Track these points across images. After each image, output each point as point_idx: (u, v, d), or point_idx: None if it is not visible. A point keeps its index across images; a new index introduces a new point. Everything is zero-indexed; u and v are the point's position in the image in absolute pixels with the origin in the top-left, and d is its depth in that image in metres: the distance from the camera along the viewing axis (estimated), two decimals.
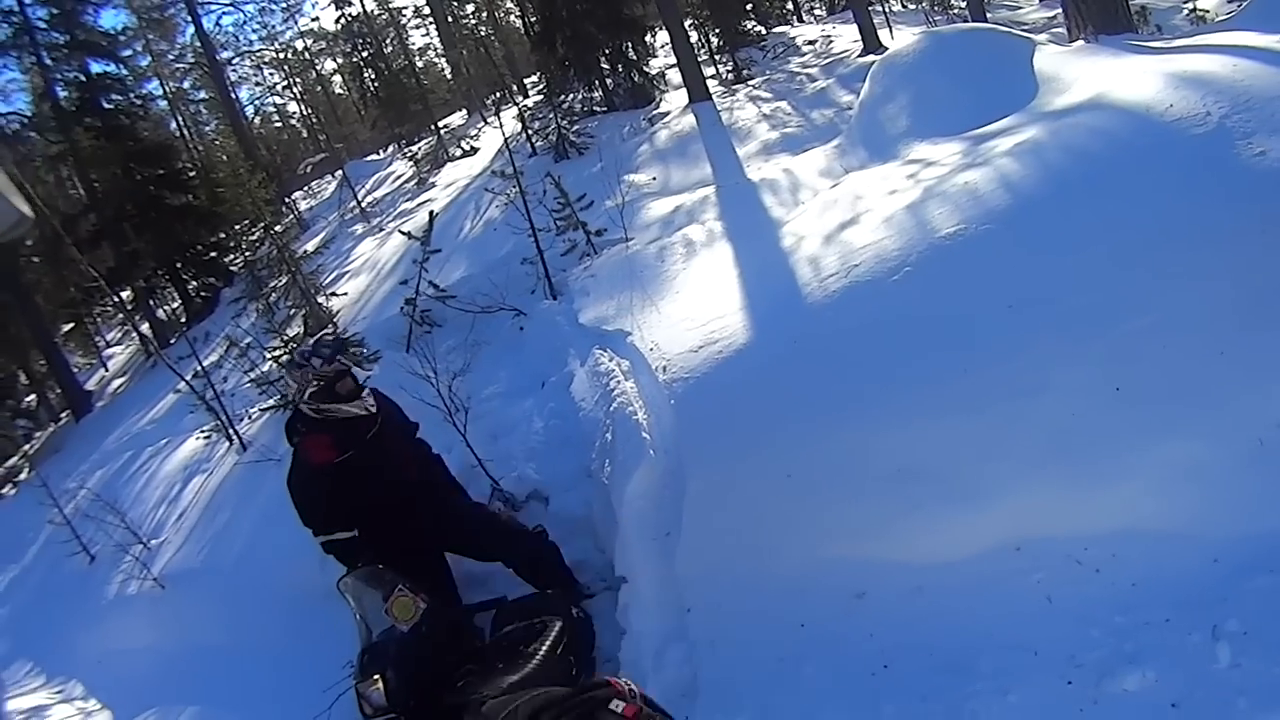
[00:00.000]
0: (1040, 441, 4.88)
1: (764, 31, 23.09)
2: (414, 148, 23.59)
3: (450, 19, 30.52)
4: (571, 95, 18.45)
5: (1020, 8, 23.68)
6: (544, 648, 4.95)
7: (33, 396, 23.96)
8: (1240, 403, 4.65)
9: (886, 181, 6.83)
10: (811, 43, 20.94)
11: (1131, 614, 4.44)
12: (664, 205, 9.15)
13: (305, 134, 43.26)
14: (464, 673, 4.65)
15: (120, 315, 18.59)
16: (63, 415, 18.92)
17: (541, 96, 19.00)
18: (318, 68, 41.31)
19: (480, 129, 24.34)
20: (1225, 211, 5.05)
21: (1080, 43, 8.84)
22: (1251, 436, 4.59)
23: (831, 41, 20.23)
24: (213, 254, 20.06)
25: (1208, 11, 15.72)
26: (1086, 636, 4.44)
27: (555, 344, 7.83)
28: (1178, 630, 4.29)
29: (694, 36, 19.87)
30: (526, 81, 27.72)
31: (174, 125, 32.89)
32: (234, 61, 36.89)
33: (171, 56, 33.06)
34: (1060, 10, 11.66)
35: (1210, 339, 4.79)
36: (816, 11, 28.97)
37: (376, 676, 4.52)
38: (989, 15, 19.56)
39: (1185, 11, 16.18)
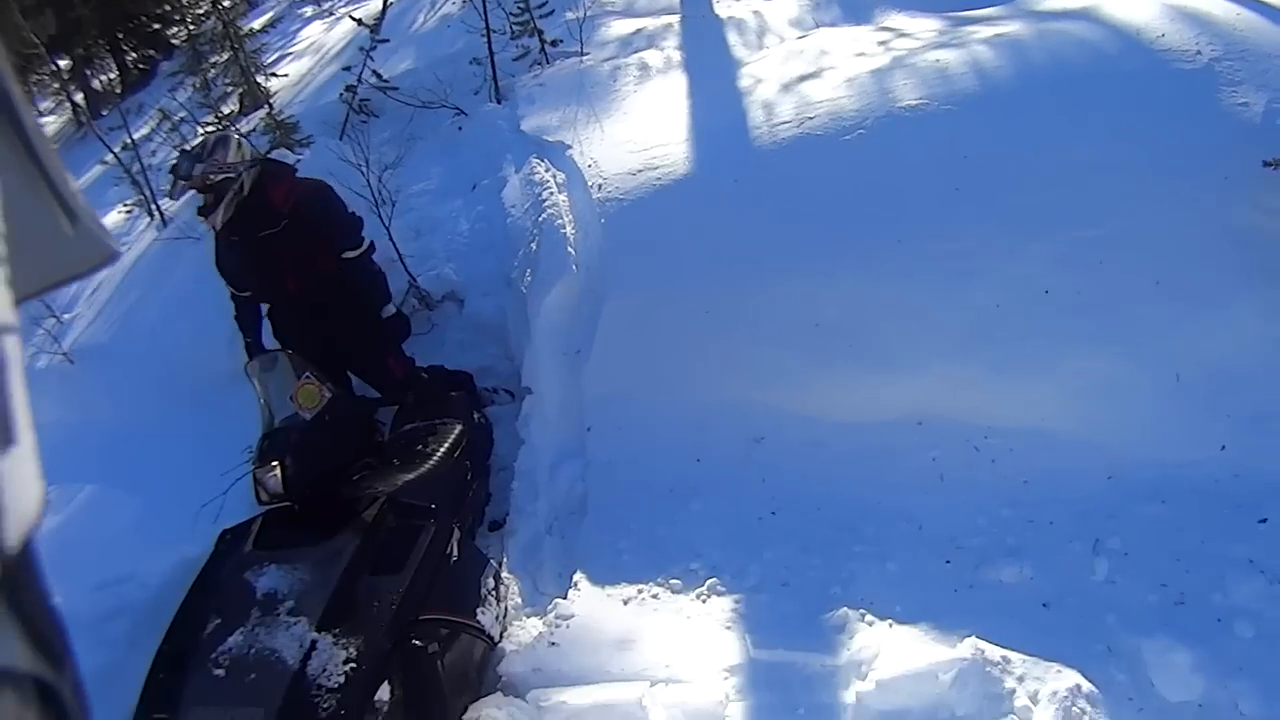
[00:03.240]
0: (961, 325, 4.73)
1: None
2: None
3: None
4: None
5: None
6: (442, 449, 4.73)
7: None
8: (1166, 335, 4.51)
9: (856, 43, 6.46)
10: None
11: (1019, 509, 4.36)
12: (625, 26, 8.64)
13: None
14: (362, 466, 4.44)
15: (56, 84, 17.54)
16: None
17: None
18: None
19: None
20: (1194, 151, 4.82)
21: None
22: (1170, 370, 4.46)
23: None
24: (155, 25, 18.97)
25: None
26: (972, 522, 4.37)
27: (492, 148, 7.41)
28: (1061, 535, 4.22)
29: None
30: None
31: None
32: None
33: None
34: None
35: (1149, 268, 4.62)
36: None
37: (275, 463, 4.28)
38: None
39: None
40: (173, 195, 5.25)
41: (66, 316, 8.10)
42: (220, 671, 3.64)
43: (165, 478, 6.08)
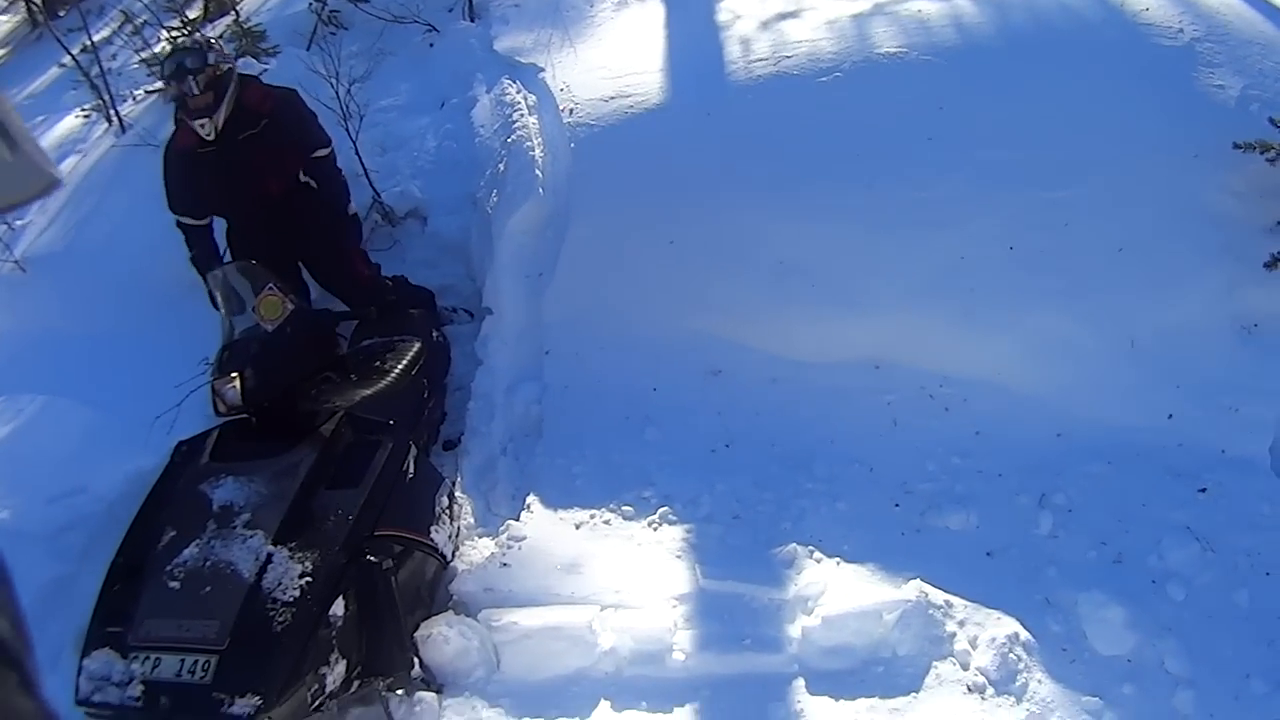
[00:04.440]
0: (924, 273, 4.69)
1: None
2: None
3: None
4: None
5: None
6: (399, 366, 4.63)
7: None
8: (1125, 300, 4.51)
9: None
10: None
11: (969, 459, 4.36)
12: None
13: None
14: (320, 380, 4.34)
15: None
16: None
17: None
18: None
19: None
20: (1167, 126, 4.79)
21: None
22: (1126, 335, 4.47)
23: None
24: None
25: None
26: (922, 468, 4.36)
27: (464, 66, 7.21)
28: (1008, 487, 4.24)
29: None
30: None
31: None
32: None
33: None
34: None
35: (1113, 234, 4.61)
36: None
37: (234, 374, 4.16)
38: None
39: None
40: (182, 92, 4.93)
41: (19, 223, 7.71)
42: (175, 584, 3.56)
43: (119, 389, 5.86)
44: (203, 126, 4.86)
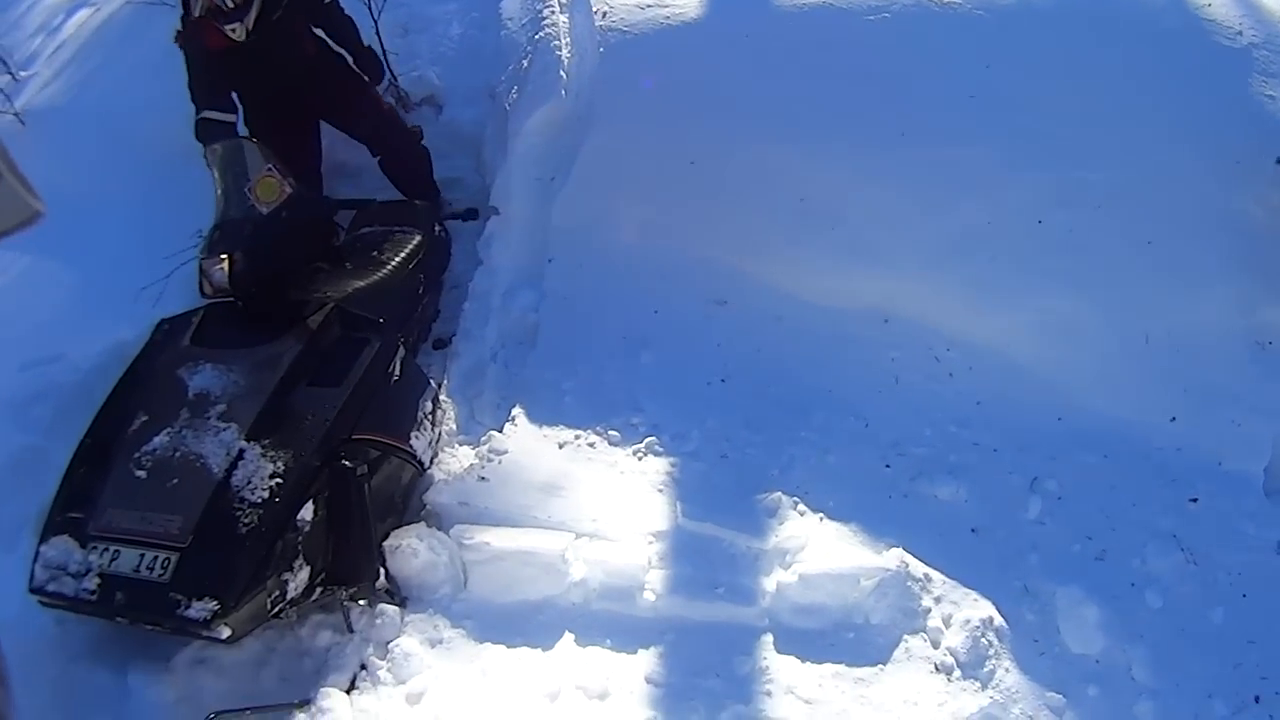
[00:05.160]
0: (947, 233, 4.48)
1: None
2: None
3: None
4: None
5: None
6: (397, 258, 4.47)
7: None
8: (1146, 294, 4.34)
9: None
10: None
11: (966, 429, 4.21)
12: None
13: None
14: (313, 269, 4.15)
15: None
16: None
17: None
18: None
19: None
20: (1212, 129, 4.56)
21: None
22: (1141, 329, 4.31)
23: None
24: None
25: None
26: (918, 432, 4.20)
27: None
28: (1001, 465, 4.10)
29: None
30: None
31: None
32: None
33: None
34: None
35: (1144, 226, 4.41)
36: None
37: (224, 255, 3.94)
38: None
39: None
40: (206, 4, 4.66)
41: (23, 74, 7.37)
42: (142, 473, 3.41)
43: (109, 255, 5.61)
44: (233, 31, 4.65)
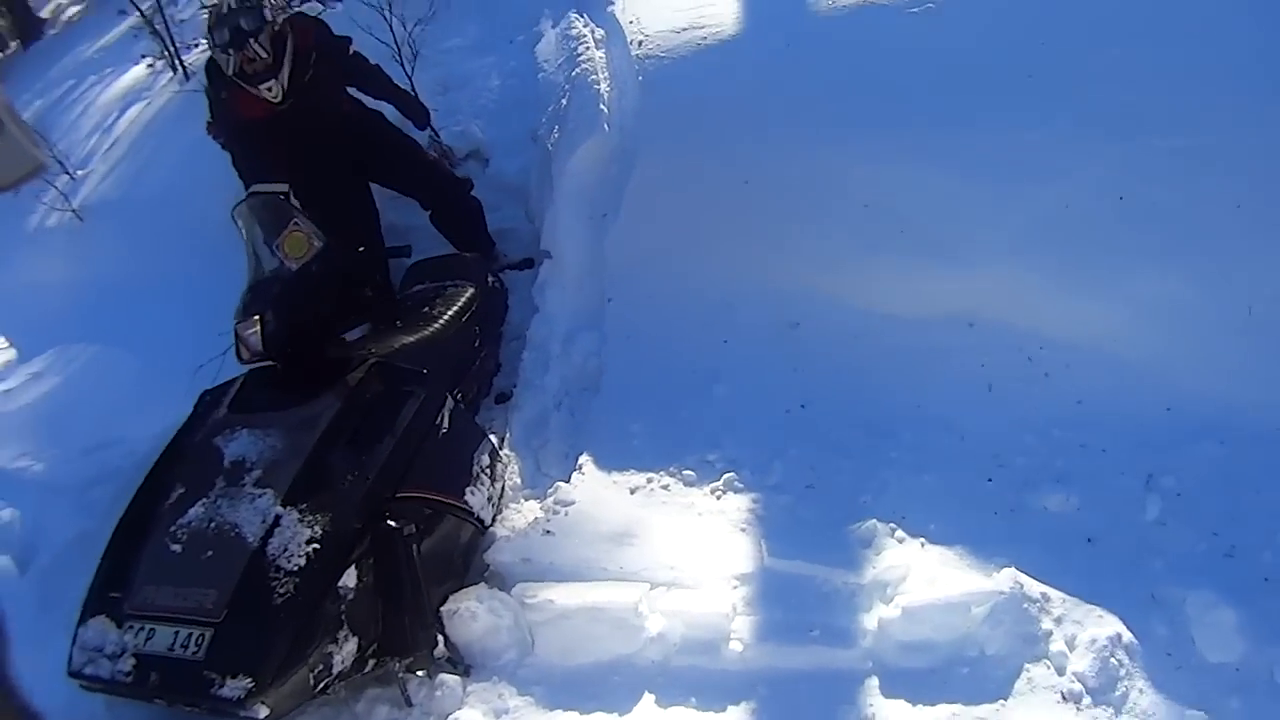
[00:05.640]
0: (1024, 224, 4.17)
1: None
2: None
3: None
4: None
5: None
6: (450, 312, 4.32)
7: None
8: (1243, 264, 3.96)
9: None
10: None
11: (1070, 431, 3.87)
12: None
13: None
14: (353, 324, 4.04)
15: None
16: (11, 44, 16.96)
17: None
18: None
19: None
20: None
21: None
22: (1243, 301, 3.92)
23: None
24: None
25: None
26: (1019, 440, 3.87)
27: (532, 2, 6.84)
28: (1112, 465, 3.74)
29: None
30: None
31: None
32: None
33: None
34: None
35: (1233, 190, 4.03)
36: None
37: (256, 317, 3.80)
38: None
39: None
40: (242, 59, 4.56)
41: (80, 172, 7.59)
42: (177, 547, 3.27)
43: (168, 338, 5.65)
44: (269, 89, 4.57)
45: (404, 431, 3.51)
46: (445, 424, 3.71)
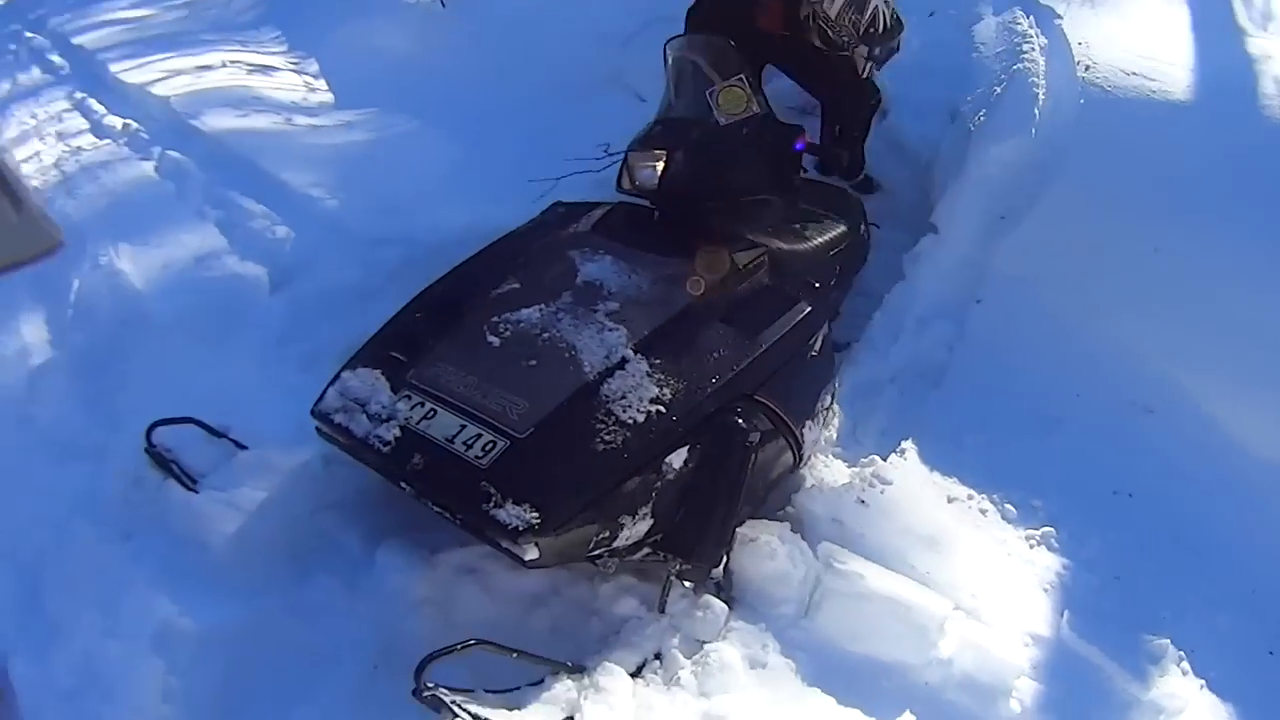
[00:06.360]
0: None
1: None
2: None
3: None
4: None
5: None
6: (821, 239, 4.02)
7: None
8: None
9: None
10: None
11: None
12: None
13: None
14: (759, 204, 3.77)
15: None
16: None
17: None
18: None
19: None
20: None
21: None
22: None
23: None
24: None
25: None
26: None
27: None
28: None
29: None
30: None
31: None
32: None
33: None
34: None
35: None
36: None
37: (661, 152, 3.58)
38: None
39: None
40: None
41: None
42: (495, 339, 3.03)
43: (507, 148, 5.60)
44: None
45: (783, 336, 3.25)
46: (817, 348, 3.45)
